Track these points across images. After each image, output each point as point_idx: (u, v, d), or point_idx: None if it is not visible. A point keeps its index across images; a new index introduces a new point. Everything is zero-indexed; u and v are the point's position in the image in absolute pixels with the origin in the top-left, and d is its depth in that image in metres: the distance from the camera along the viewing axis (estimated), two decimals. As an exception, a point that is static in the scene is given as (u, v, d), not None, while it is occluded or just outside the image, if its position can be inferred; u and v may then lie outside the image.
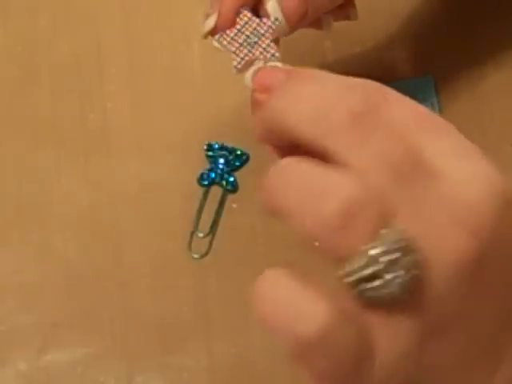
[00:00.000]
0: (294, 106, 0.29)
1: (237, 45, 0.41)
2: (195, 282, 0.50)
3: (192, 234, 0.50)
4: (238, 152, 0.51)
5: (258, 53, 0.40)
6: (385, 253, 0.25)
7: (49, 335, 0.49)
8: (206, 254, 0.50)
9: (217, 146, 0.51)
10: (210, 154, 0.51)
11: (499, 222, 0.27)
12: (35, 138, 0.54)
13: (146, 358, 0.49)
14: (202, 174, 0.51)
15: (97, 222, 0.51)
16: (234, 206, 0.51)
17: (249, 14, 0.41)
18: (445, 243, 0.26)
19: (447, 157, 0.29)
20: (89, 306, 0.50)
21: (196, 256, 0.49)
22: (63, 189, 0.53)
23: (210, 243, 0.50)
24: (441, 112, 0.51)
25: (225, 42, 0.41)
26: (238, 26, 0.41)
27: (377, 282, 0.25)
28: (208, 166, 0.51)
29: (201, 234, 0.50)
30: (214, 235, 0.50)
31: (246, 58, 0.40)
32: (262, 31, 0.40)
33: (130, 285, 0.50)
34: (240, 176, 0.51)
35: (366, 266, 0.25)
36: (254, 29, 0.40)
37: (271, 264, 0.35)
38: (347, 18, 0.46)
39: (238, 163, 0.51)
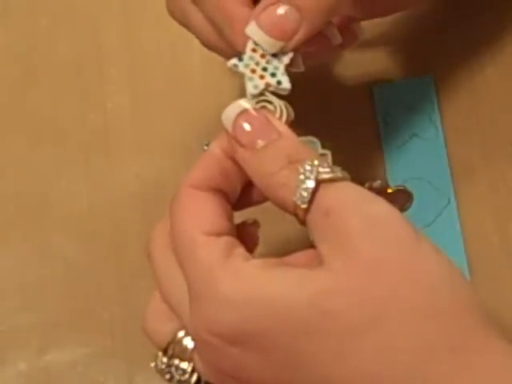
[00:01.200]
0: None
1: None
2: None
3: None
4: None
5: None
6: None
7: (49, 335, 0.49)
8: None
9: None
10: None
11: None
12: (35, 138, 0.54)
13: (146, 358, 0.49)
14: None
15: (97, 222, 0.51)
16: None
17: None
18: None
19: None
20: (89, 306, 0.50)
21: None
22: (63, 189, 0.53)
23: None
24: (441, 112, 0.51)
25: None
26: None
27: None
28: None
29: None
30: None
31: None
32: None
33: (130, 285, 0.50)
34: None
35: None
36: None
37: (307, 246, 0.35)
38: (353, 37, 0.44)
39: None
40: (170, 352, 0.36)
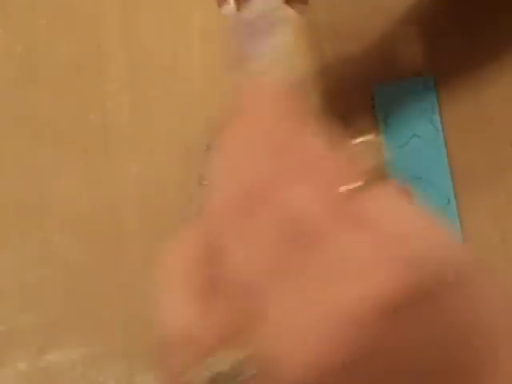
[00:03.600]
0: None
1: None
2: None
3: None
4: None
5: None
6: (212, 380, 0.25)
7: (49, 335, 0.49)
8: None
9: None
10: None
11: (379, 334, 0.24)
12: (35, 138, 0.54)
13: (146, 358, 0.49)
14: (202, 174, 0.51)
15: (97, 222, 0.51)
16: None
17: None
18: (302, 347, 0.24)
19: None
20: (89, 306, 0.50)
21: None
22: (63, 189, 0.53)
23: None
24: (441, 112, 0.51)
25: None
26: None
27: None
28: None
29: None
30: None
31: None
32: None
33: (130, 285, 0.50)
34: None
35: None
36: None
37: None
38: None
39: None
40: None
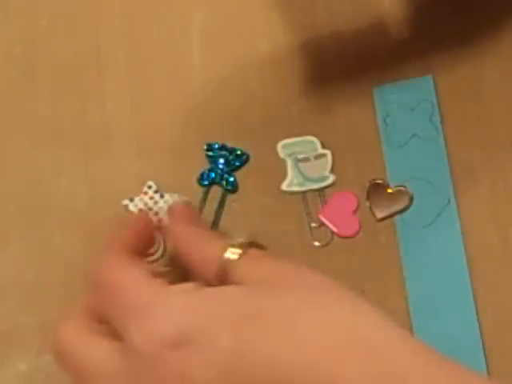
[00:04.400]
0: None
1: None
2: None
3: None
4: (238, 152, 0.51)
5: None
6: None
7: (49, 335, 0.49)
8: None
9: (217, 146, 0.51)
10: (210, 154, 0.51)
11: None
12: (35, 138, 0.54)
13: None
14: (202, 174, 0.51)
15: (97, 222, 0.51)
16: (234, 205, 0.51)
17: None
18: None
19: None
20: (89, 306, 0.50)
21: None
22: (63, 189, 0.53)
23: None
24: (441, 112, 0.51)
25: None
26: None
27: None
28: (208, 166, 0.51)
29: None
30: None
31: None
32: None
33: (130, 285, 0.50)
34: (240, 176, 0.51)
35: None
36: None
37: None
38: None
39: (237, 163, 0.51)
40: None
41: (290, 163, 0.51)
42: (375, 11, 0.54)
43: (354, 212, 0.50)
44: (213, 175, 0.51)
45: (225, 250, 0.37)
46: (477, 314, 0.47)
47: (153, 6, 0.56)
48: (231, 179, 0.51)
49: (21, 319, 0.50)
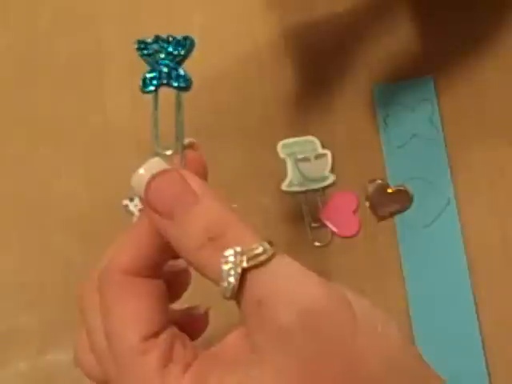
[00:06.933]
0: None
1: None
2: (196, 280, 0.50)
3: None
4: (179, 38, 0.40)
5: None
6: None
7: (49, 335, 0.49)
8: None
9: (150, 40, 0.42)
10: (145, 52, 0.42)
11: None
12: (35, 138, 0.54)
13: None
14: (143, 80, 0.41)
15: (97, 222, 0.51)
16: (235, 206, 0.51)
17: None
18: None
19: None
20: (89, 306, 0.50)
21: None
22: (63, 189, 0.53)
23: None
24: (441, 112, 0.51)
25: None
26: None
27: None
28: (148, 68, 0.42)
29: (168, 152, 0.39)
30: (182, 148, 0.40)
31: None
32: None
33: (130, 285, 0.50)
34: (240, 175, 0.51)
35: None
36: None
37: None
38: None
39: (182, 51, 0.41)
40: None
41: (289, 163, 0.51)
42: (375, 11, 0.54)
43: (354, 212, 0.50)
44: (156, 75, 0.41)
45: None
46: (477, 313, 0.47)
47: (153, 6, 0.56)
48: (181, 73, 0.41)
49: (21, 319, 0.50)
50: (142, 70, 0.55)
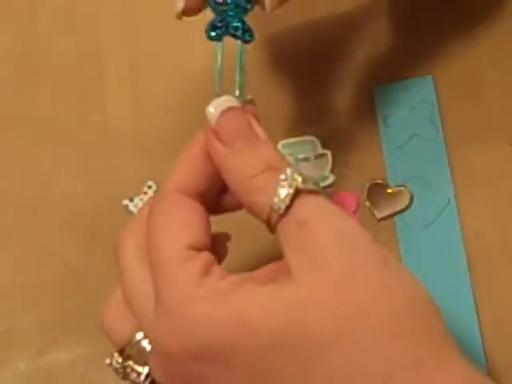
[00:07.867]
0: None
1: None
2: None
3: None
4: None
5: None
6: None
7: (49, 335, 0.49)
8: None
9: None
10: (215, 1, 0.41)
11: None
12: (35, 138, 0.54)
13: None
14: (210, 25, 0.41)
15: (97, 222, 0.51)
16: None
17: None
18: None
19: None
20: (89, 306, 0.50)
21: None
22: (63, 189, 0.53)
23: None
24: (441, 112, 0.51)
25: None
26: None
27: None
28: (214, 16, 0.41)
29: (237, 92, 0.39)
30: (244, 99, 0.39)
31: None
32: None
33: (130, 285, 0.50)
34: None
35: None
36: None
37: (277, 257, 0.35)
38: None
39: (249, 5, 0.40)
40: (126, 353, 0.36)
41: (289, 163, 0.51)
42: (375, 11, 0.54)
43: (354, 212, 0.50)
44: (224, 23, 0.41)
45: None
46: (477, 313, 0.47)
47: (153, 6, 0.56)
48: (246, 26, 0.40)
49: (21, 319, 0.50)
50: (142, 69, 0.55)
